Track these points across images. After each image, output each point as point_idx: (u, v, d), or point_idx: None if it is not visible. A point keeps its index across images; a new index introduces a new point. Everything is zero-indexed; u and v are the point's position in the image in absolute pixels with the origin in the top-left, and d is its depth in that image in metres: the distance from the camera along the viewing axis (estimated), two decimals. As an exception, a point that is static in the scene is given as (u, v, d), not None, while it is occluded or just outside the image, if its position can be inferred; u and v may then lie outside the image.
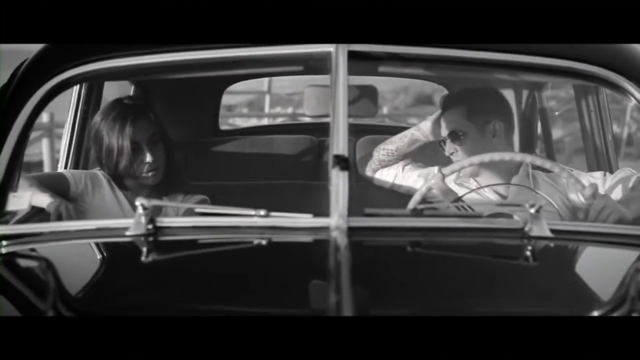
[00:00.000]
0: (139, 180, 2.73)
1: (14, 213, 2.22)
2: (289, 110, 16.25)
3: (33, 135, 9.78)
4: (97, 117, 2.77)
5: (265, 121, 15.18)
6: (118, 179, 2.75)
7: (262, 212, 1.97)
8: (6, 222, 2.14)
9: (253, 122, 15.31)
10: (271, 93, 15.78)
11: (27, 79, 2.27)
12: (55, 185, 2.67)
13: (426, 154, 3.13)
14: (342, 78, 2.06)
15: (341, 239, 1.80)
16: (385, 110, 16.85)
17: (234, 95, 15.85)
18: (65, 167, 3.17)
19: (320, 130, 3.44)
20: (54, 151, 9.76)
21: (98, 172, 2.80)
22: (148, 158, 2.70)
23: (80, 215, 2.68)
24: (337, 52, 2.10)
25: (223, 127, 5.10)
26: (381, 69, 2.65)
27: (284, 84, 15.27)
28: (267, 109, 15.89)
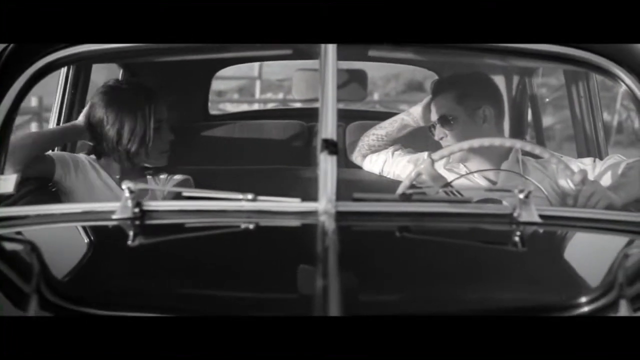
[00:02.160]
0: (149, 161, 2.74)
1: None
2: (280, 95, 16.24)
3: (22, 119, 9.76)
4: (106, 97, 2.75)
5: (256, 107, 15.18)
6: (120, 157, 2.73)
7: (250, 196, 1.96)
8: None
9: (244, 107, 15.31)
10: (262, 79, 15.76)
11: (12, 61, 2.24)
12: (42, 166, 2.67)
13: (416, 140, 3.13)
14: (331, 62, 2.04)
15: (329, 224, 1.79)
16: (376, 96, 16.86)
17: (225, 81, 15.83)
18: (52, 150, 3.14)
19: (310, 115, 3.43)
20: (42, 135, 9.70)
21: (81, 156, 2.79)
22: (170, 137, 2.78)
23: (62, 197, 2.68)
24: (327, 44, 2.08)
25: (213, 112, 5.09)
26: (371, 53, 2.64)
27: (274, 69, 15.24)
28: (257, 95, 15.88)
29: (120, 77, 3.58)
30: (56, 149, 3.16)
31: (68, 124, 2.96)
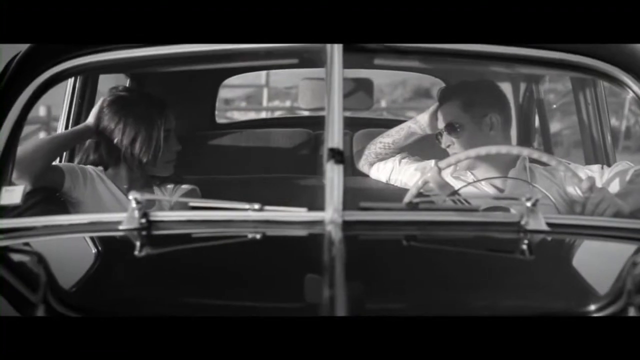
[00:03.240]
0: (155, 170, 2.75)
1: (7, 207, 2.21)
2: (287, 103, 16.24)
3: (31, 128, 9.79)
4: (117, 104, 2.76)
5: (263, 115, 15.19)
6: (131, 166, 2.74)
7: (257, 206, 1.96)
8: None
9: (251, 115, 15.32)
10: (269, 87, 15.78)
11: (20, 71, 2.25)
12: (52, 177, 2.68)
13: (423, 148, 3.12)
14: (337, 71, 2.04)
15: (336, 233, 1.78)
16: (383, 103, 16.85)
17: (232, 89, 15.85)
18: (60, 160, 3.15)
19: (317, 123, 3.41)
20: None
21: (87, 167, 2.80)
22: (177, 147, 2.80)
23: (70, 208, 2.68)
24: (333, 45, 2.08)
25: (221, 120, 5.09)
26: (377, 61, 2.64)
27: (281, 77, 15.25)
28: (265, 103, 15.89)
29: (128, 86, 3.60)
30: (63, 159, 3.18)
31: (80, 126, 2.96)
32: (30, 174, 2.54)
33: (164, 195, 2.79)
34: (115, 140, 2.72)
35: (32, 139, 2.58)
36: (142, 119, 2.72)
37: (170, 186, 2.83)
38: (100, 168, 2.80)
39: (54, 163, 2.84)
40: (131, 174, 2.77)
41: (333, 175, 1.89)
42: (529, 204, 1.96)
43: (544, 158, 2.46)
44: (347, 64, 2.06)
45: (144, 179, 2.80)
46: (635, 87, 2.21)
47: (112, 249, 2.11)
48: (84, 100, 3.26)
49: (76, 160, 2.96)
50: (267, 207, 1.97)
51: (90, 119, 2.80)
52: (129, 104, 2.76)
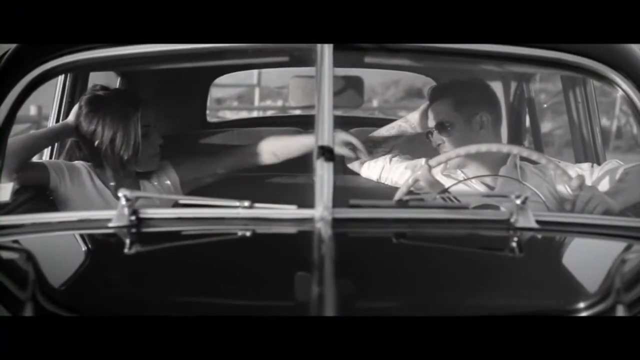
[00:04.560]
0: (138, 166, 2.76)
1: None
2: (279, 103, 16.24)
3: (22, 127, 9.74)
4: (92, 105, 2.76)
5: (255, 114, 15.19)
6: (114, 165, 2.74)
7: (246, 204, 1.96)
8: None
9: (243, 115, 15.32)
10: (261, 86, 15.77)
11: (9, 70, 2.24)
12: (36, 174, 2.67)
13: (414, 146, 3.12)
14: (328, 69, 2.04)
15: (325, 231, 1.79)
16: (375, 103, 16.87)
17: (224, 88, 15.84)
18: (50, 158, 3.14)
19: (308, 122, 3.42)
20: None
21: (77, 163, 2.79)
22: (159, 141, 2.79)
23: (58, 205, 2.68)
24: (323, 43, 2.08)
25: (212, 119, 5.09)
26: (367, 60, 2.64)
27: (273, 77, 15.24)
28: (256, 102, 15.89)
29: (118, 85, 3.59)
30: (53, 157, 3.17)
31: (58, 124, 2.97)
32: (11, 176, 2.52)
33: (151, 189, 2.80)
34: (95, 142, 2.72)
35: (9, 141, 2.55)
36: (118, 117, 2.71)
37: (154, 175, 2.84)
38: (90, 163, 2.81)
39: (38, 160, 2.84)
40: (115, 171, 2.77)
41: (323, 173, 1.89)
42: (518, 201, 1.97)
43: (534, 156, 2.47)
44: (337, 62, 2.06)
45: (130, 175, 2.80)
46: (624, 86, 2.22)
47: (102, 246, 2.11)
48: (74, 98, 3.25)
49: (61, 159, 2.96)
50: (257, 205, 1.97)
51: (71, 117, 2.80)
52: (104, 103, 2.75)
